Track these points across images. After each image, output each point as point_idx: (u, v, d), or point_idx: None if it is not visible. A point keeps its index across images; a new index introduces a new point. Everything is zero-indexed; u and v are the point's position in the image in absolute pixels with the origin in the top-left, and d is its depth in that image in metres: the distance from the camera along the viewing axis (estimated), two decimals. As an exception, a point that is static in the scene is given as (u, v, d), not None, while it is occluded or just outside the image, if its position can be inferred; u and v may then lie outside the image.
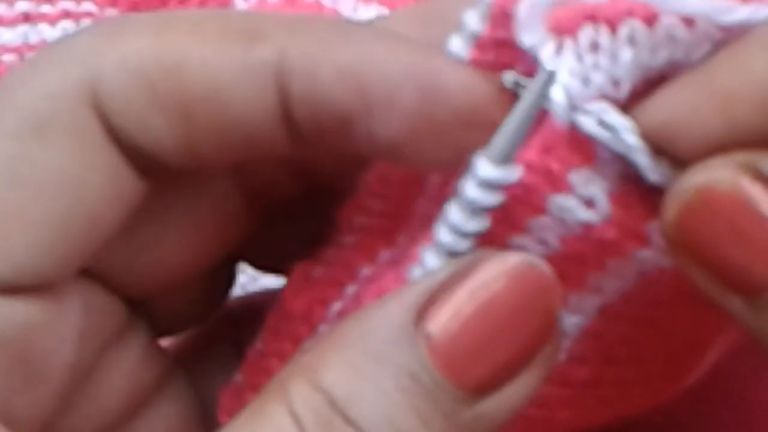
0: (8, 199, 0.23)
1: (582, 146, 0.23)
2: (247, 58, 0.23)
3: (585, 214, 0.23)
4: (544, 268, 0.23)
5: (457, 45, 0.24)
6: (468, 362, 0.22)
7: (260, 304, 0.28)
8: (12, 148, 0.23)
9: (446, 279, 0.23)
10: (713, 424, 0.31)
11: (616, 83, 0.23)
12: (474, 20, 0.24)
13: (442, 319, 0.22)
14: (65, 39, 0.25)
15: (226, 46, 0.23)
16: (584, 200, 0.23)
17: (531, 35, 0.23)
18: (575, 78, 0.23)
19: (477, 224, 0.23)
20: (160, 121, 0.23)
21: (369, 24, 0.26)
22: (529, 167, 0.23)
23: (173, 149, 0.24)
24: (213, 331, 0.29)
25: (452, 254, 0.23)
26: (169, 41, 0.24)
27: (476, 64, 0.24)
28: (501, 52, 0.24)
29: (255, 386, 0.26)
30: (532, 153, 0.23)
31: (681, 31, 0.22)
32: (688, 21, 0.22)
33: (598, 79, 0.23)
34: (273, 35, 0.24)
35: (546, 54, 0.23)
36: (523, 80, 0.23)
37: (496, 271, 0.23)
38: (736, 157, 0.21)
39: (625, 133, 0.22)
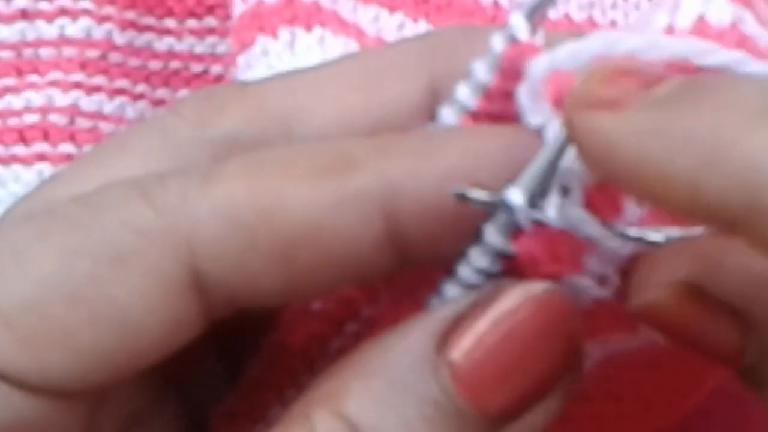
0: (64, 315, 0.23)
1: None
2: (346, 189, 0.23)
3: (598, 292, 0.23)
4: (567, 296, 0.23)
5: (464, 94, 0.24)
6: (491, 389, 0.22)
7: (249, 318, 0.27)
8: (84, 267, 0.23)
9: (468, 306, 0.23)
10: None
11: None
12: (482, 70, 0.24)
13: (465, 346, 0.22)
14: (156, 179, 0.24)
15: (322, 181, 0.23)
16: (597, 278, 0.23)
17: (536, 115, 0.23)
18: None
19: (499, 266, 0.23)
20: (259, 265, 0.23)
21: (450, 129, 0.25)
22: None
23: (269, 290, 0.23)
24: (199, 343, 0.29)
25: (472, 287, 0.23)
26: (262, 184, 0.23)
27: (483, 114, 0.24)
28: (509, 103, 0.24)
29: (250, 416, 0.26)
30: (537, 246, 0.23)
31: None
32: None
33: None
34: (366, 159, 0.23)
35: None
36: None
37: (520, 298, 0.22)
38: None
39: (585, 224, 0.22)
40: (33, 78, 0.45)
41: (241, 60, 0.36)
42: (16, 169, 0.44)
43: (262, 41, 0.35)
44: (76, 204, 0.23)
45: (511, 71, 0.23)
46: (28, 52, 0.46)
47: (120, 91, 0.45)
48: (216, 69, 0.45)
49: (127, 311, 0.23)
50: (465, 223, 0.23)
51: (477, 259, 0.23)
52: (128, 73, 0.45)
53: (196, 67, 0.45)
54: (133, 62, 0.45)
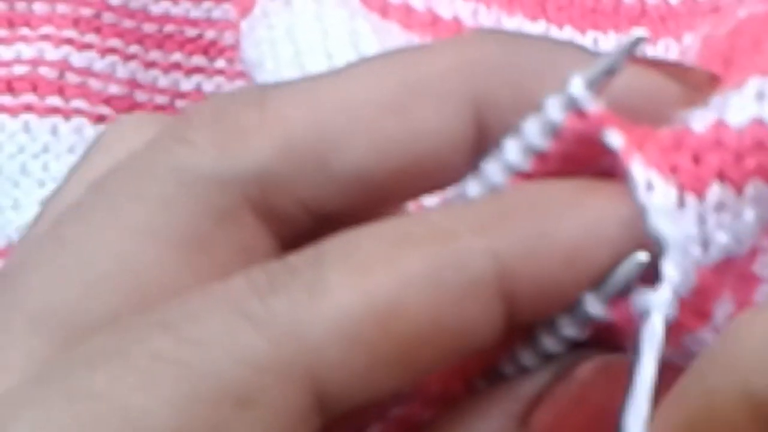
0: None
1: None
2: (463, 282, 0.21)
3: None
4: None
5: (515, 155, 0.22)
6: None
7: None
8: (209, 416, 0.20)
9: (548, 382, 0.22)
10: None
11: (738, 242, 0.22)
12: (536, 134, 0.22)
13: (549, 427, 0.21)
14: (254, 296, 0.21)
15: (438, 277, 0.21)
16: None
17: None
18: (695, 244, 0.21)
19: (584, 334, 0.22)
20: (382, 375, 0.21)
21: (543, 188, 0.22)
22: None
23: (388, 391, 0.21)
24: None
25: (549, 355, 0.22)
26: (375, 289, 0.21)
27: (536, 174, 0.22)
28: (573, 165, 0.22)
29: None
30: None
31: None
32: None
33: (723, 239, 0.21)
34: (474, 240, 0.21)
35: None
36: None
37: (602, 372, 0.21)
38: None
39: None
40: (24, 31, 0.45)
41: (244, 25, 0.36)
42: (2, 119, 0.44)
43: (262, 3, 0.35)
44: (177, 341, 0.20)
45: (575, 139, 0.22)
46: (21, 5, 0.46)
47: (112, 50, 0.45)
48: (210, 34, 0.45)
49: None
50: (572, 294, 0.21)
51: (567, 328, 0.21)
52: (121, 34, 0.45)
53: (191, 32, 0.45)
54: (127, 23, 0.45)
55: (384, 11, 0.37)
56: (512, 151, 0.22)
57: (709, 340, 0.22)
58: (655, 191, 0.21)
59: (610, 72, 0.22)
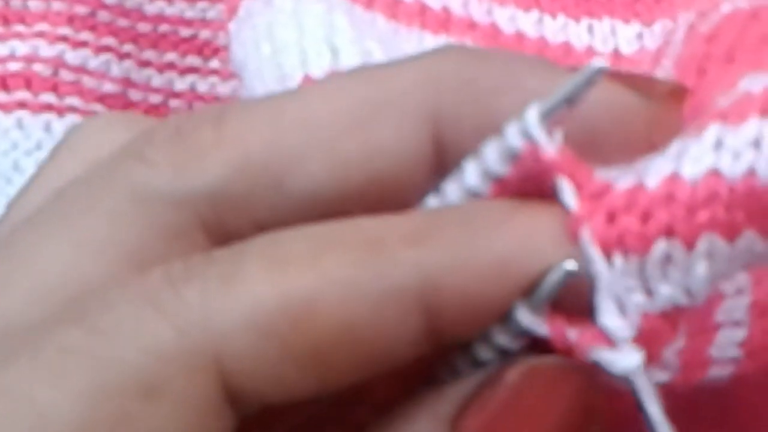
0: None
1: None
2: (383, 288, 0.21)
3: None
4: (584, 371, 0.21)
5: (473, 178, 0.22)
6: None
7: None
8: (113, 407, 0.20)
9: (477, 386, 0.21)
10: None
11: (689, 294, 0.21)
12: (495, 160, 0.22)
13: (476, 428, 0.21)
14: (167, 284, 0.21)
15: (356, 279, 0.21)
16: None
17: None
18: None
19: (518, 344, 0.22)
20: (292, 372, 0.21)
21: (481, 205, 0.22)
22: None
23: (301, 391, 0.21)
24: None
25: (482, 363, 0.22)
26: (291, 284, 0.21)
27: (492, 196, 0.22)
28: (528, 188, 0.22)
29: None
30: None
31: (760, 245, 0.21)
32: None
33: (667, 292, 0.21)
34: (400, 249, 0.21)
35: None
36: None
37: (524, 374, 0.21)
38: None
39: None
40: (19, 28, 0.45)
41: (232, 26, 0.36)
42: (-5, 115, 0.44)
43: (246, 4, 0.35)
44: (86, 332, 0.20)
45: (532, 166, 0.22)
46: (16, 2, 0.46)
47: (106, 48, 0.45)
48: (205, 34, 0.45)
49: None
50: (502, 306, 0.21)
51: (498, 337, 0.21)
52: (116, 33, 0.45)
53: (185, 32, 0.45)
54: (122, 22, 0.45)
55: (369, 1, 0.36)
56: (472, 174, 0.22)
57: (657, 376, 0.22)
58: (598, 266, 0.21)
59: (569, 102, 0.21)
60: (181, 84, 0.45)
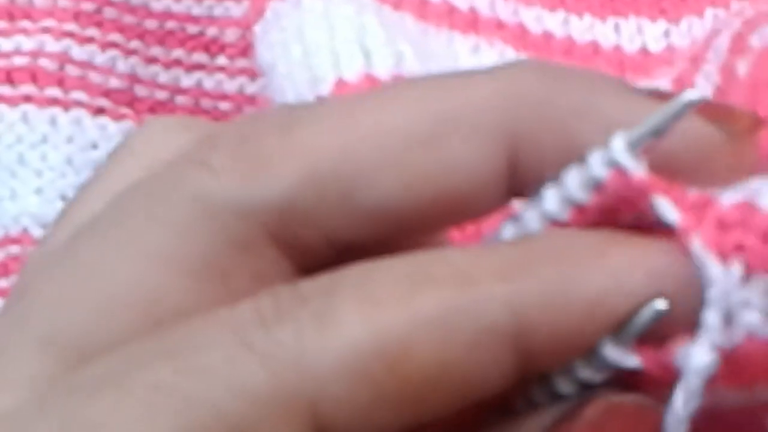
0: None
1: None
2: (475, 326, 0.20)
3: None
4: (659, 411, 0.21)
5: (553, 204, 0.22)
6: None
7: None
8: None
9: (555, 420, 0.21)
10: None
11: None
12: (576, 187, 0.22)
13: None
14: (257, 322, 0.21)
15: (449, 321, 0.20)
16: None
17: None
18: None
19: (600, 377, 0.22)
20: (384, 414, 0.20)
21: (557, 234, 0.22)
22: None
23: (392, 431, 0.21)
24: None
25: (560, 396, 0.22)
26: (385, 326, 0.20)
27: (573, 224, 0.22)
28: (611, 218, 0.22)
29: None
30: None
31: None
32: None
33: None
34: (490, 286, 0.20)
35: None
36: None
37: (605, 410, 0.21)
38: None
39: None
40: (25, 24, 0.45)
41: (257, 29, 0.36)
42: (1, 109, 0.44)
43: (273, 6, 0.36)
44: (175, 370, 0.20)
45: (615, 196, 0.22)
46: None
47: (112, 45, 0.45)
48: (212, 31, 0.46)
49: None
50: (590, 341, 0.21)
51: (582, 372, 0.21)
52: (122, 29, 0.45)
53: (192, 29, 0.45)
54: (128, 19, 0.46)
55: (398, 2, 0.36)
56: (551, 200, 0.22)
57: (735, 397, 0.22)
58: (714, 270, 0.21)
59: (656, 133, 0.22)
60: (188, 80, 0.45)
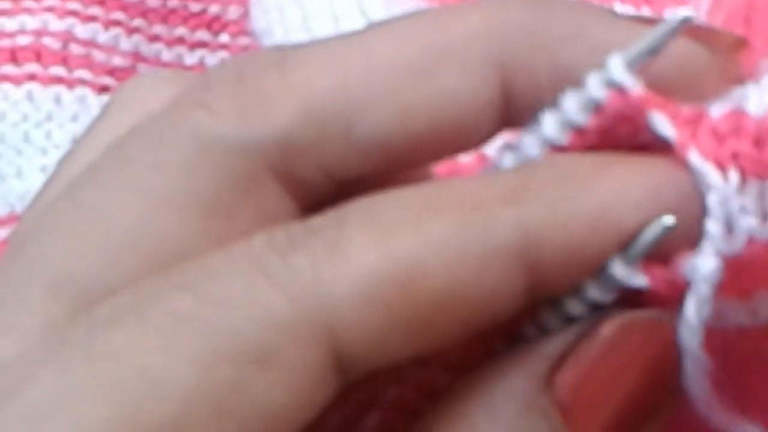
0: (208, 427, 0.20)
1: None
2: (486, 249, 0.21)
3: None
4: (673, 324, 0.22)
5: (552, 129, 0.22)
6: (600, 427, 0.21)
7: None
8: (226, 374, 0.20)
9: (572, 341, 0.22)
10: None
11: None
12: (575, 110, 0.22)
13: (573, 385, 0.21)
14: (274, 253, 0.21)
15: (459, 241, 0.21)
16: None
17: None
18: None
19: (610, 298, 0.22)
20: (399, 338, 0.21)
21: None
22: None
23: (403, 356, 0.21)
24: None
25: (572, 318, 0.22)
26: (397, 251, 0.21)
27: (572, 148, 0.22)
28: (611, 139, 0.22)
29: None
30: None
31: None
32: None
33: None
34: (498, 208, 0.21)
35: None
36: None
37: (631, 329, 0.21)
38: None
39: None
40: (29, 3, 0.46)
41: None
42: (6, 88, 0.44)
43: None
44: (195, 299, 0.20)
45: (615, 116, 0.22)
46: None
47: (115, 23, 0.45)
48: (214, 9, 0.46)
49: (276, 415, 0.20)
50: (598, 260, 0.21)
51: (592, 292, 0.22)
52: (125, 8, 0.46)
53: (195, 6, 0.46)
54: (131, -2, 0.46)
55: None
56: (550, 125, 0.22)
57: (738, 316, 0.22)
58: (713, 180, 0.21)
59: (651, 52, 0.22)
60: (191, 58, 0.45)
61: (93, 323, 0.21)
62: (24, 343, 0.21)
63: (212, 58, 0.45)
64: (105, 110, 0.26)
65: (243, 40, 0.45)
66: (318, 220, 0.21)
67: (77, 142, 0.25)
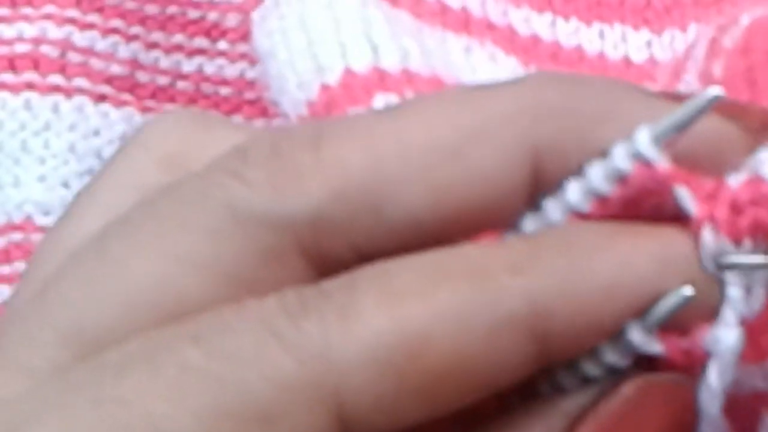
0: None
1: None
2: (495, 319, 0.21)
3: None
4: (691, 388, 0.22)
5: (576, 196, 0.22)
6: None
7: None
8: (229, 430, 0.20)
9: (590, 399, 0.22)
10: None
11: None
12: (600, 179, 0.22)
13: None
14: (286, 317, 0.21)
15: (468, 312, 0.21)
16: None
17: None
18: None
19: (627, 362, 0.22)
20: (406, 404, 0.21)
21: (581, 228, 0.23)
22: None
23: (410, 422, 0.21)
24: None
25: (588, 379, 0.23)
26: (406, 318, 0.21)
27: (594, 217, 0.23)
28: (632, 210, 0.22)
29: None
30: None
31: None
32: None
33: None
34: (504, 275, 0.21)
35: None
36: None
37: (647, 390, 0.22)
38: None
39: None
40: (27, 10, 0.45)
41: (255, 15, 0.36)
42: (3, 96, 0.44)
43: (273, -8, 0.36)
44: (205, 353, 0.21)
45: (639, 188, 0.22)
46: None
47: (114, 30, 0.45)
48: (212, 16, 0.45)
49: None
50: (612, 328, 0.22)
51: (609, 356, 0.22)
52: (123, 15, 0.45)
53: (193, 13, 0.45)
54: (129, 4, 0.46)
55: (394, 0, 0.37)
56: (574, 192, 0.22)
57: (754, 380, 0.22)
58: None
59: (679, 127, 0.22)
60: (189, 66, 0.45)
61: (102, 368, 0.21)
62: (31, 383, 0.21)
63: (210, 66, 0.45)
64: (127, 148, 0.26)
65: (241, 48, 0.45)
66: (330, 284, 0.22)
67: (96, 179, 0.26)
